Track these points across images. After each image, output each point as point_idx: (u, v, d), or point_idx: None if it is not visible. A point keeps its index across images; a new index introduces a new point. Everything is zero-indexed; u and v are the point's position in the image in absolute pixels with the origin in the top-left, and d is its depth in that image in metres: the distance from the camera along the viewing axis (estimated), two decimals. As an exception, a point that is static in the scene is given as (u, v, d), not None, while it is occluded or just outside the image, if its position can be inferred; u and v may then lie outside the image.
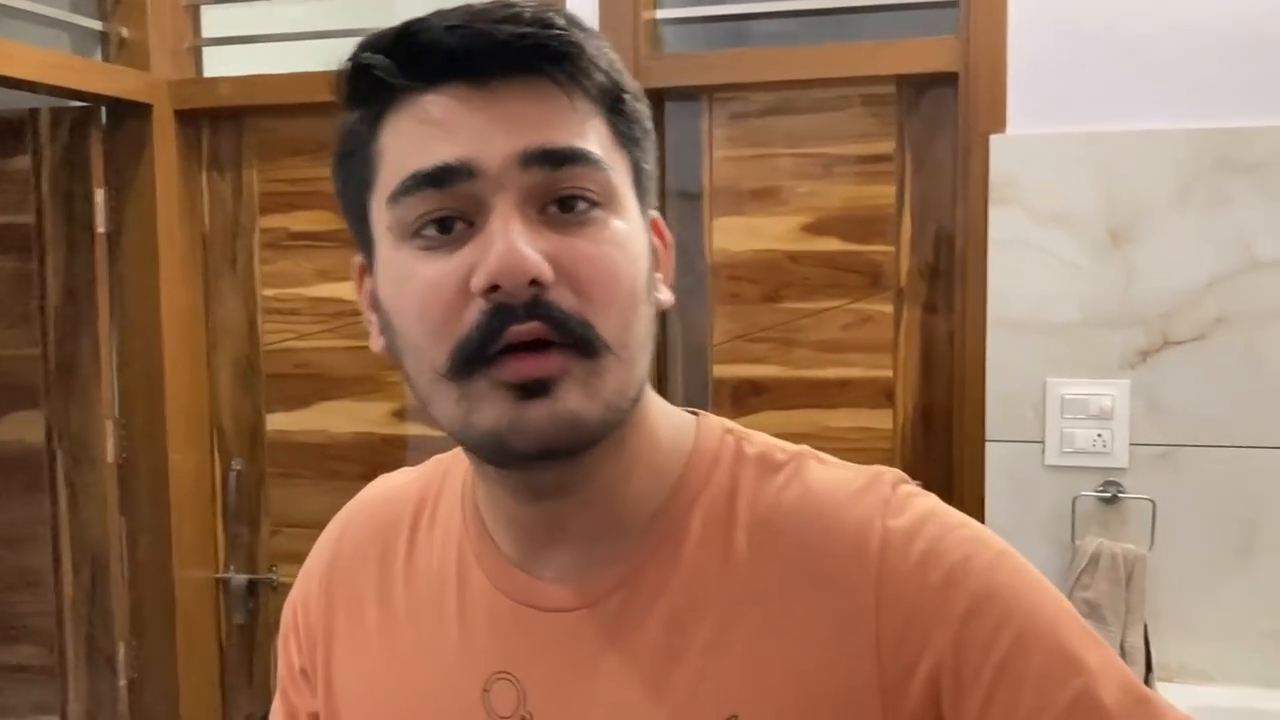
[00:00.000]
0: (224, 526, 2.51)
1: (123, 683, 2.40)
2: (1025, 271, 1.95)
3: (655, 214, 0.73)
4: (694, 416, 0.76)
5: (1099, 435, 1.93)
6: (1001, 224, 1.96)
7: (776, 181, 2.17)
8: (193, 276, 2.44)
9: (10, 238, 2.35)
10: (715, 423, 0.76)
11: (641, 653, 0.69)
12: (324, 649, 0.82)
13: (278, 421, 2.46)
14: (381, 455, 2.38)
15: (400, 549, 0.80)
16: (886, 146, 2.12)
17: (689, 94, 2.20)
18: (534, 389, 0.62)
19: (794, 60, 2.11)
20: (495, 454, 0.66)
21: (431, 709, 0.74)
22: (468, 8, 0.64)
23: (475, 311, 0.62)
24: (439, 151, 0.63)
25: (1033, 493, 1.97)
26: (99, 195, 2.32)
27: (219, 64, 2.46)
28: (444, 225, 0.64)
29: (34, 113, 2.33)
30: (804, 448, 0.75)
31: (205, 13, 2.44)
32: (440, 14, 0.64)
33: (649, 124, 0.71)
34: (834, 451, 0.76)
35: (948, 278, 2.10)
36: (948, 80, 2.04)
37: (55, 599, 2.39)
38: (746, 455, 0.73)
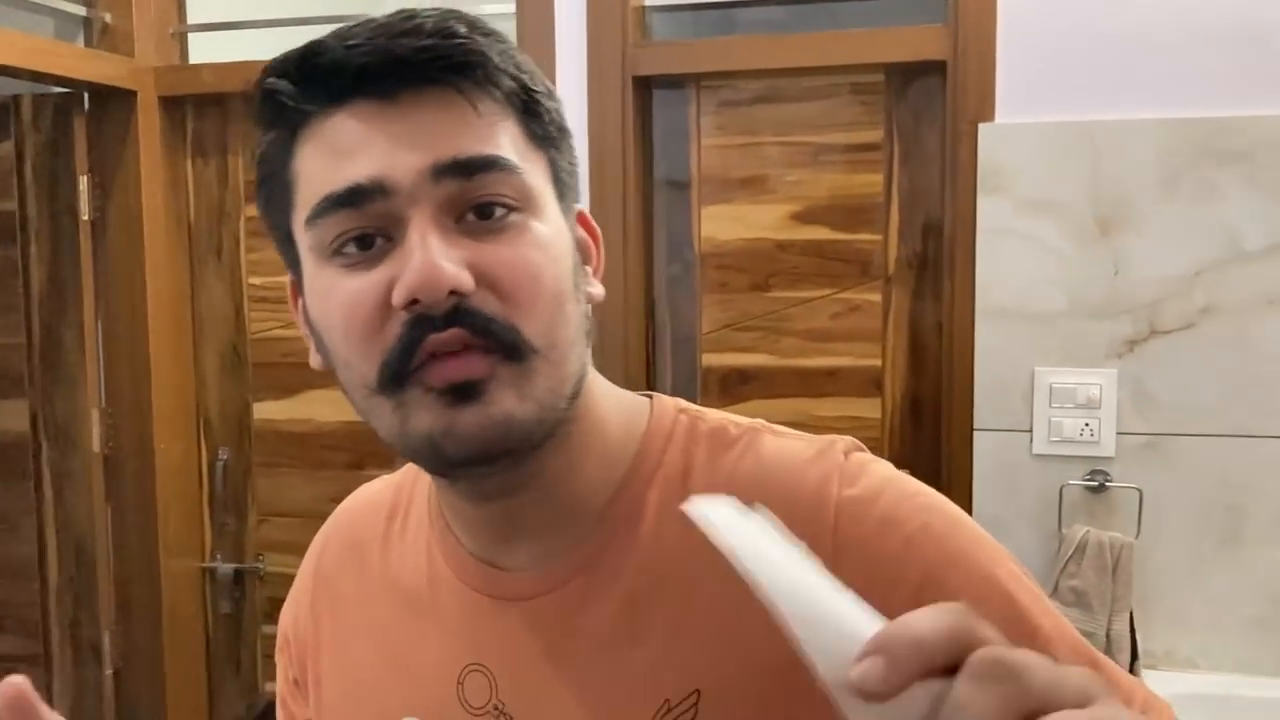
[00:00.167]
0: (210, 516, 2.50)
1: (108, 672, 2.39)
2: (1014, 261, 1.95)
3: (580, 208, 0.73)
4: (647, 399, 0.77)
5: (1086, 424, 1.94)
6: (990, 213, 1.96)
7: (765, 170, 2.16)
8: (178, 264, 2.43)
9: (-7, 225, 2.34)
10: (668, 403, 0.76)
11: (604, 635, 0.70)
12: (313, 658, 0.84)
13: (264, 410, 2.45)
14: (368, 444, 2.37)
15: (376, 554, 0.81)
16: (875, 135, 2.12)
17: (677, 82, 2.19)
18: (464, 392, 0.63)
19: (782, 48, 2.11)
20: (432, 461, 0.66)
21: (411, 706, 0.75)
22: (370, 23, 0.64)
23: (398, 324, 0.63)
24: (350, 172, 0.63)
25: (1020, 481, 1.97)
26: (83, 182, 2.31)
27: (204, 50, 2.44)
28: (364, 241, 0.64)
29: (16, 99, 2.31)
30: (758, 421, 0.75)
31: (190, -2, 2.42)
32: (342, 32, 0.64)
33: (564, 122, 0.71)
34: (823, 441, 0.76)
35: (936, 267, 2.10)
36: (936, 69, 2.04)
37: (41, 588, 2.38)
38: (700, 432, 0.74)
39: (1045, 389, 1.95)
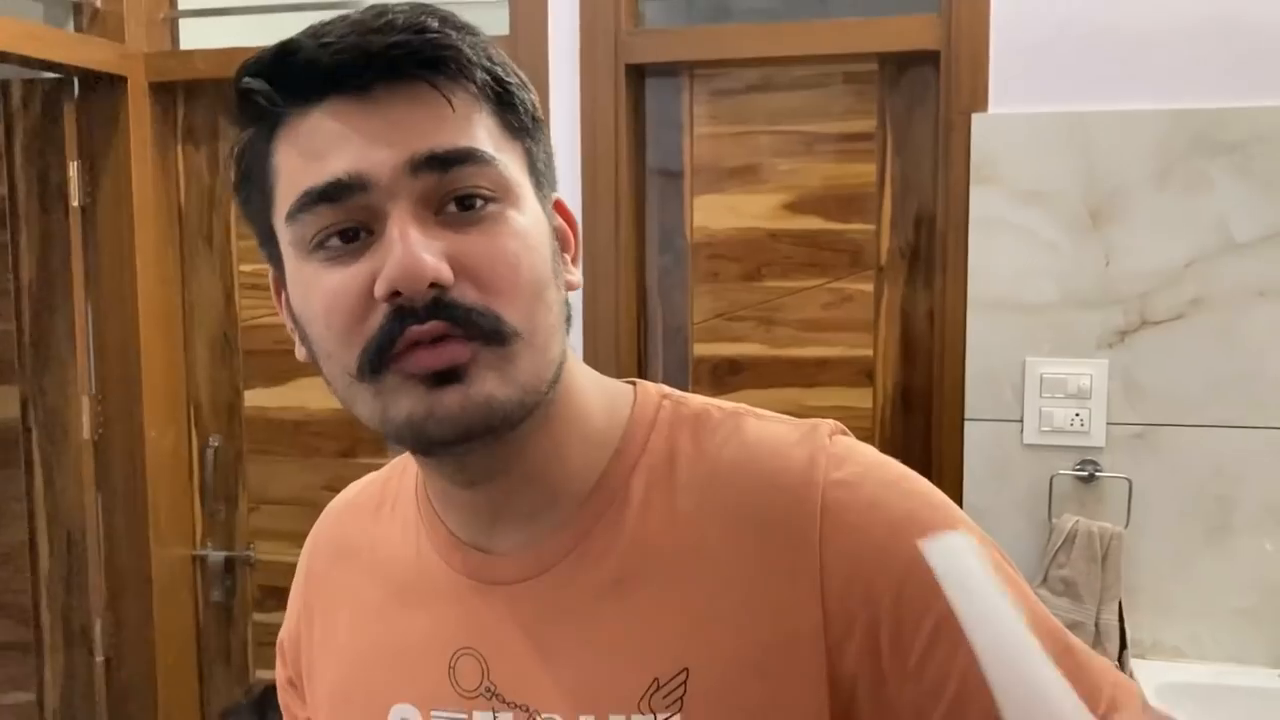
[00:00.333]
0: (201, 503, 2.50)
1: (99, 659, 2.39)
2: (1005, 251, 1.96)
3: (558, 196, 0.74)
4: (630, 386, 0.78)
5: (1077, 414, 1.94)
6: (982, 203, 1.96)
7: (757, 159, 2.16)
8: (168, 251, 2.42)
9: (-17, 211, 2.33)
10: (652, 389, 0.78)
11: (592, 616, 0.71)
12: (306, 654, 0.85)
13: (255, 398, 2.45)
14: (359, 432, 2.37)
15: (364, 547, 0.83)
16: (868, 125, 2.12)
17: (669, 70, 2.19)
18: (445, 377, 0.64)
19: (775, 37, 2.10)
20: (415, 442, 0.68)
21: (402, 693, 0.76)
22: (344, 19, 0.65)
23: (379, 316, 0.64)
24: (329, 168, 0.64)
25: (1011, 471, 1.98)
26: (72, 168, 2.29)
27: (194, 36, 2.43)
28: (345, 235, 0.65)
29: (5, 84, 2.30)
30: (741, 405, 0.77)
31: (181, -16, 2.41)
32: (315, 29, 0.66)
33: (538, 112, 0.72)
34: (815, 430, 0.77)
35: (928, 257, 2.11)
36: (929, 59, 2.04)
37: (31, 575, 2.38)
38: (683, 417, 0.75)
39: (1036, 379, 1.96)
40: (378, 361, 0.64)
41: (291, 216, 0.66)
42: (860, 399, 2.16)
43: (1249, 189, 1.87)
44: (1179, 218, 1.90)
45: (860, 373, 2.16)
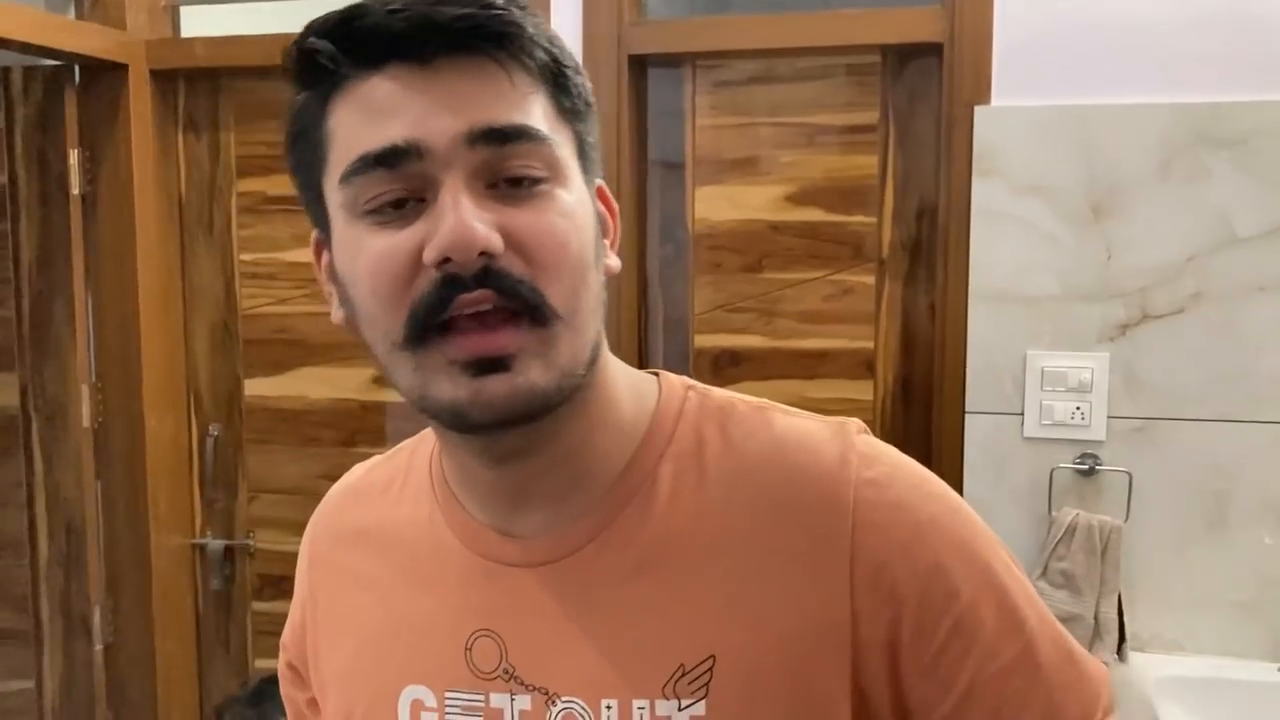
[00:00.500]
0: (200, 492, 2.50)
1: (99, 647, 2.39)
2: (1007, 244, 1.95)
3: (600, 182, 0.75)
4: (654, 376, 0.79)
5: (1077, 408, 1.94)
6: (984, 196, 1.96)
7: (759, 151, 2.16)
8: (169, 240, 2.41)
9: (-17, 198, 2.32)
10: (676, 380, 0.79)
11: (618, 601, 0.71)
12: (311, 637, 0.85)
13: (255, 387, 2.45)
14: (359, 422, 2.37)
15: (372, 528, 0.83)
16: (870, 117, 2.12)
17: (672, 61, 2.18)
18: (490, 364, 0.65)
19: (778, 28, 2.10)
20: (455, 423, 0.68)
21: (415, 674, 0.76)
22: None
23: (426, 281, 0.65)
24: (387, 133, 0.65)
25: (1011, 464, 1.98)
26: (73, 156, 2.29)
27: (196, 24, 2.42)
28: (396, 202, 0.66)
29: (6, 71, 2.29)
30: (765, 400, 0.78)
31: (182, -29, 2.40)
32: None
33: (590, 97, 0.73)
34: (815, 423, 0.77)
35: (929, 249, 2.10)
36: (932, 51, 2.04)
37: (31, 563, 2.38)
38: (709, 409, 0.76)
39: (1037, 372, 1.96)
40: (423, 328, 0.65)
41: (345, 179, 0.66)
42: (861, 391, 2.16)
43: (1250, 183, 1.87)
44: (1180, 212, 1.89)
45: (861, 365, 2.16)
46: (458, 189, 0.64)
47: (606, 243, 0.74)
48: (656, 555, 0.72)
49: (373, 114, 0.65)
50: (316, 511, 0.90)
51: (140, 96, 2.31)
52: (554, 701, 0.71)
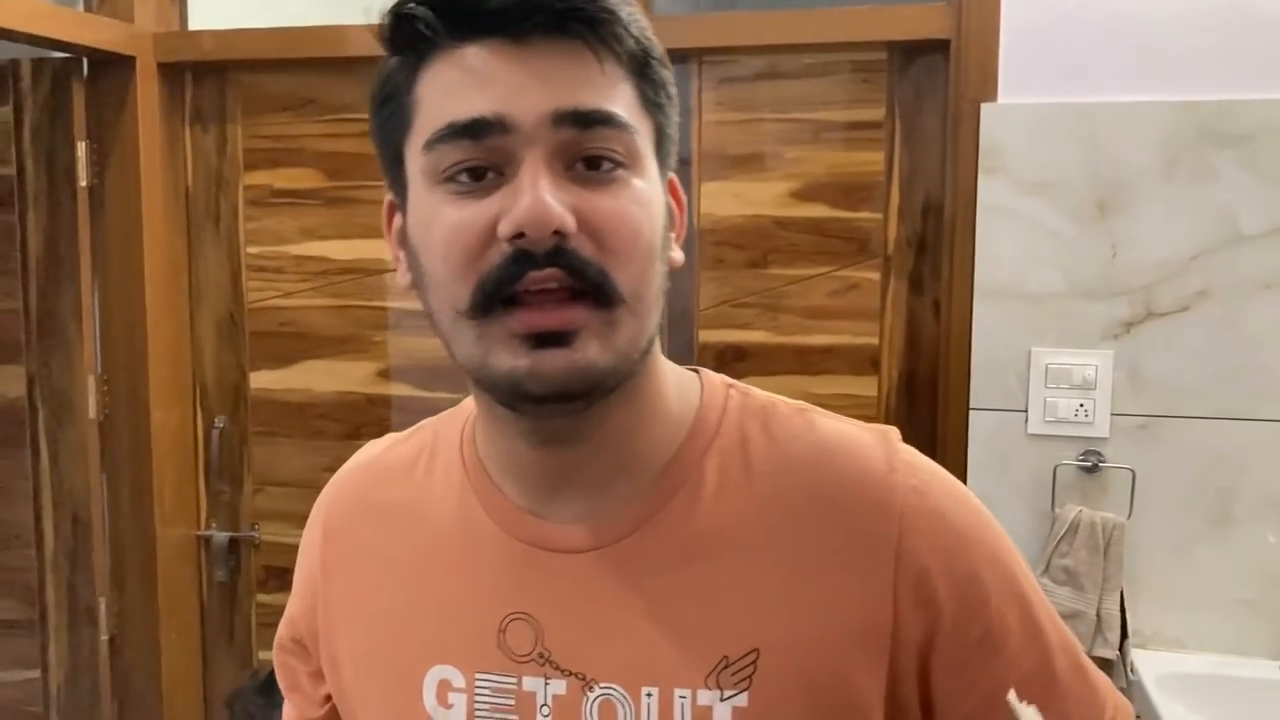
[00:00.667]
0: (206, 484, 2.51)
1: (104, 638, 2.40)
2: (1012, 241, 1.96)
3: (672, 175, 0.76)
4: (695, 372, 0.81)
5: (1081, 405, 1.95)
6: (990, 193, 1.96)
7: (765, 147, 2.16)
8: (175, 232, 2.42)
9: (-10, 190, 2.33)
10: (717, 378, 0.80)
11: (662, 591, 0.72)
12: (323, 615, 0.84)
13: (261, 379, 2.45)
14: (364, 415, 2.38)
15: (396, 505, 0.82)
16: (876, 113, 2.12)
17: (678, 57, 2.18)
18: (551, 339, 0.66)
19: (784, 24, 2.10)
20: (510, 395, 0.69)
21: (442, 654, 0.76)
22: None
23: (498, 254, 0.66)
24: (475, 104, 0.66)
25: (1014, 461, 1.98)
26: (81, 148, 2.29)
27: (203, 17, 2.43)
28: (476, 173, 0.67)
29: (15, 63, 2.29)
30: (803, 402, 0.80)
31: (189, -36, 2.41)
32: None
33: (673, 90, 0.73)
34: (818, 419, 0.78)
35: (935, 246, 2.11)
36: (939, 47, 2.04)
37: (37, 554, 2.39)
38: (751, 407, 0.78)
39: (1041, 369, 1.96)
40: (490, 299, 0.66)
41: (429, 145, 0.68)
42: (865, 387, 2.16)
43: (1256, 181, 1.87)
44: (1186, 209, 1.89)
45: (865, 361, 2.16)
46: (537, 167, 0.65)
47: (672, 235, 0.75)
48: (703, 547, 0.73)
49: (463, 85, 0.67)
50: (331, 486, 0.89)
51: (148, 89, 2.32)
52: (591, 687, 0.72)
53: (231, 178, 2.41)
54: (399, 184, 0.72)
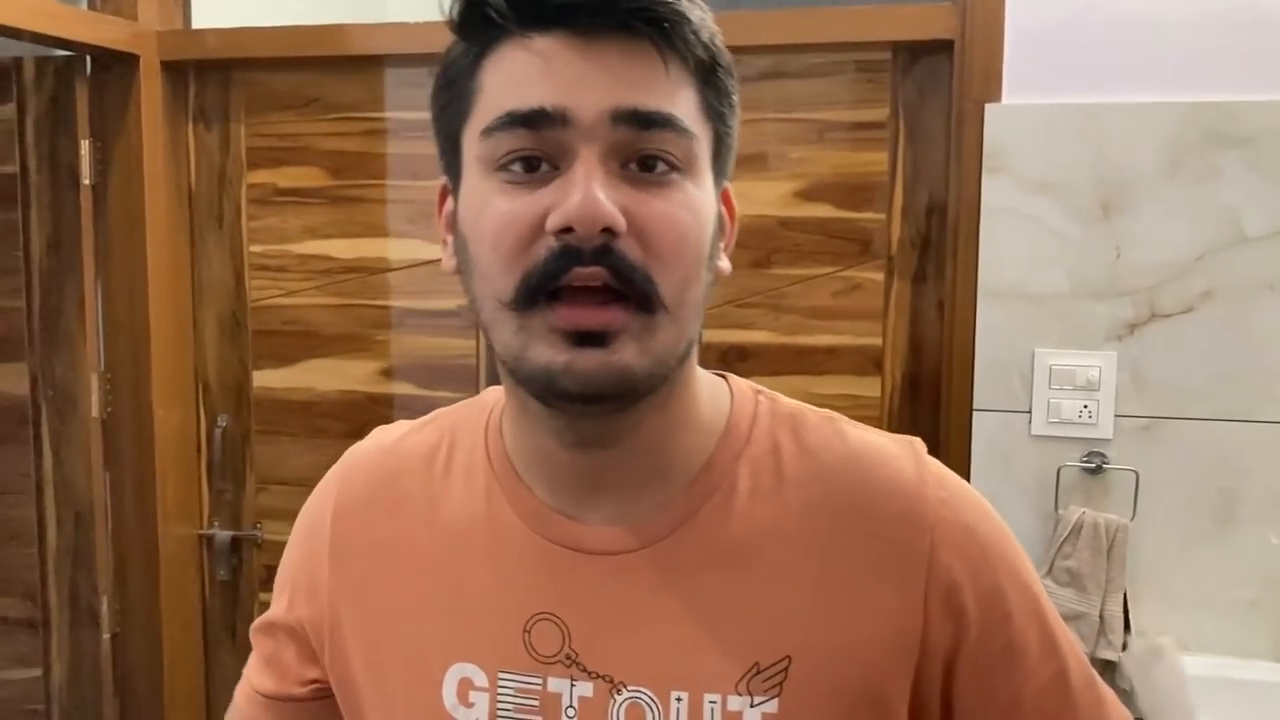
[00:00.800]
0: (209, 482, 2.51)
1: (106, 636, 2.40)
2: (1016, 242, 1.95)
3: (728, 185, 0.76)
4: (723, 378, 0.81)
5: (1085, 406, 1.94)
6: (993, 193, 1.95)
7: (768, 147, 2.16)
8: (179, 230, 2.42)
9: (-6, 188, 2.33)
10: (745, 384, 0.81)
11: (694, 595, 0.72)
12: (328, 599, 0.83)
13: (264, 378, 2.45)
14: (368, 414, 2.38)
15: (417, 496, 0.81)
16: (880, 113, 2.12)
17: (682, 56, 2.18)
18: (590, 338, 0.66)
19: (788, 24, 2.10)
20: (544, 391, 0.69)
21: (463, 652, 0.75)
22: None
23: (545, 248, 0.66)
24: (536, 94, 0.66)
25: (1018, 462, 1.98)
26: (84, 146, 2.29)
27: (207, 15, 2.43)
28: (530, 164, 0.67)
29: (18, 61, 2.30)
30: (828, 410, 0.80)
31: (193, -37, 2.41)
32: None
33: (736, 98, 0.74)
34: (821, 419, 0.79)
35: (939, 246, 2.10)
36: (943, 48, 2.03)
37: (39, 552, 2.39)
38: (780, 415, 0.79)
39: (1045, 370, 1.95)
40: (534, 292, 0.66)
41: (487, 132, 0.68)
42: (868, 388, 2.16)
43: (1261, 182, 1.86)
44: (1190, 210, 1.89)
45: (869, 361, 2.16)
46: (592, 163, 0.65)
47: (721, 245, 0.76)
48: (737, 552, 0.73)
49: (526, 75, 0.67)
50: (341, 467, 0.88)
51: (151, 88, 2.32)
52: (619, 690, 0.72)
53: (235, 176, 2.41)
54: (454, 169, 0.73)
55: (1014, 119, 1.94)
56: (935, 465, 0.77)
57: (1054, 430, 1.96)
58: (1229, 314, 1.89)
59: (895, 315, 2.14)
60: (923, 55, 2.08)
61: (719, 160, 0.73)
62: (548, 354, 0.66)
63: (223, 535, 2.49)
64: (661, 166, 0.67)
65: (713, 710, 0.70)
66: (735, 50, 2.37)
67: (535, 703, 0.73)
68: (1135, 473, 1.93)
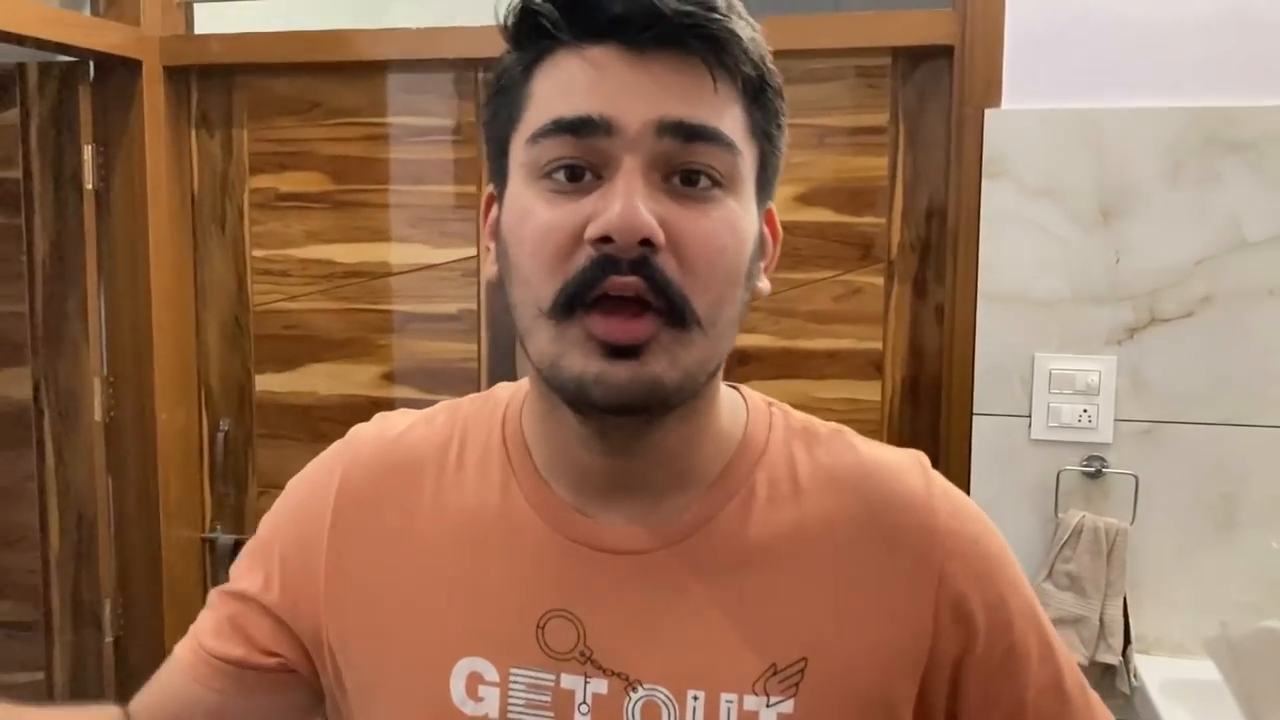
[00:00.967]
0: (211, 486, 2.51)
1: (108, 640, 2.41)
2: (1016, 246, 1.96)
3: (772, 205, 0.77)
4: (734, 388, 0.82)
5: (1085, 410, 1.95)
6: (994, 199, 1.96)
7: (769, 151, 2.16)
8: (181, 235, 2.43)
9: (-3, 193, 2.34)
10: (757, 395, 0.83)
11: (713, 597, 0.73)
12: (325, 582, 0.81)
13: (266, 382, 2.46)
14: (369, 418, 2.37)
15: (427, 488, 0.81)
16: (880, 119, 2.12)
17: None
18: (623, 350, 0.66)
19: (788, 30, 2.10)
20: (575, 399, 0.69)
21: (473, 646, 0.75)
22: None
23: (583, 257, 0.66)
24: (583, 103, 0.67)
25: (1018, 466, 1.98)
26: (87, 152, 2.30)
27: (210, 20, 2.43)
28: (574, 173, 0.67)
29: (22, 67, 2.30)
30: (836, 424, 0.82)
31: (196, -32, 2.41)
32: None
33: (784, 120, 0.74)
34: (822, 423, 0.81)
35: (939, 251, 2.11)
36: (943, 53, 2.04)
37: (42, 556, 2.39)
38: (793, 427, 0.80)
39: (1045, 374, 1.96)
40: (572, 302, 0.67)
41: (534, 139, 0.68)
42: (869, 392, 2.16)
43: (1261, 187, 1.87)
44: (1190, 215, 1.89)
45: (869, 365, 2.16)
46: (634, 174, 0.66)
47: (761, 264, 0.76)
48: (755, 555, 0.74)
49: (575, 83, 0.68)
50: (346, 448, 0.86)
51: (154, 93, 2.32)
52: (634, 688, 0.72)
53: (237, 181, 2.42)
54: (500, 176, 0.73)
55: (1014, 124, 1.95)
56: (940, 479, 0.79)
57: (1054, 434, 1.97)
58: (1229, 319, 1.90)
59: (895, 319, 2.15)
60: (923, 61, 2.09)
61: (763, 180, 0.73)
62: (580, 363, 0.67)
63: (225, 539, 2.49)
64: (704, 181, 0.67)
65: (729, 709, 0.71)
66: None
67: (547, 699, 0.73)
68: (1135, 477, 1.93)
